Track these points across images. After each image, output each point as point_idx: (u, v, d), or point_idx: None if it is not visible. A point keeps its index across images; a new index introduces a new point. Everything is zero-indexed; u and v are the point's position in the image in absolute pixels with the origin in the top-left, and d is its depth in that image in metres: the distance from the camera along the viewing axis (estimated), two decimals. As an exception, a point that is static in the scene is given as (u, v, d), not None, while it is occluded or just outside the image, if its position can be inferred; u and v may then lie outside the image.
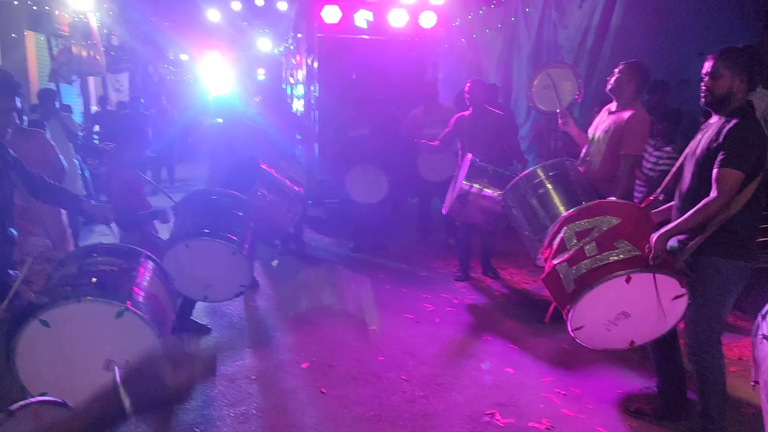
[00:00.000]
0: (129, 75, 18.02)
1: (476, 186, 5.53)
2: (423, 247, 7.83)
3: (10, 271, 2.77)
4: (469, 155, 5.72)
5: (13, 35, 12.01)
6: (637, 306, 3.34)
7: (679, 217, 3.23)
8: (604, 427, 3.67)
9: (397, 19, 8.14)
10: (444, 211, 6.12)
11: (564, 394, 4.08)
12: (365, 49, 8.37)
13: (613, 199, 3.77)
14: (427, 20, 8.19)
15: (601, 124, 4.77)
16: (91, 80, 15.77)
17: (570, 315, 3.35)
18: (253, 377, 4.30)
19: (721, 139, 3.09)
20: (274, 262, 7.18)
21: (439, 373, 4.40)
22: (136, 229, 4.63)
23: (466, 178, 5.55)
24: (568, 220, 3.48)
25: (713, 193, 3.06)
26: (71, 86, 13.58)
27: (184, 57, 22.71)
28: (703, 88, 3.21)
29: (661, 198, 3.64)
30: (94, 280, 2.82)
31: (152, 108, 13.29)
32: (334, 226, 8.72)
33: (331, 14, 8.04)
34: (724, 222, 3.10)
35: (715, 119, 3.26)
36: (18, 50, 12.61)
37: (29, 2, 11.51)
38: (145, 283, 3.04)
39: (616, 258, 3.25)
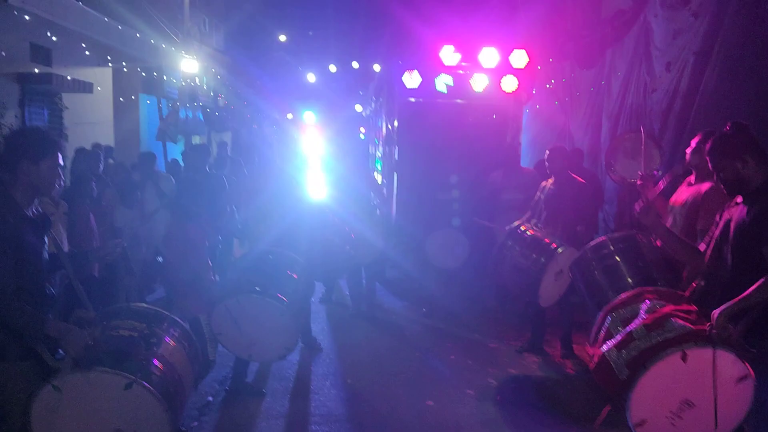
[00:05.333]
0: (232, 134, 19.06)
1: (516, 248, 5.39)
2: (499, 316, 7.50)
3: None
4: (516, 222, 5.62)
5: (122, 99, 13.05)
6: (700, 392, 2.98)
7: (717, 305, 3.00)
8: None
9: (478, 83, 8.10)
10: None
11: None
12: (445, 113, 8.38)
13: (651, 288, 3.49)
14: (509, 84, 8.09)
15: (680, 196, 4.49)
16: (196, 138, 16.80)
17: (628, 406, 3.03)
18: (296, 450, 4.21)
19: (751, 224, 2.96)
20: None
21: (491, 460, 4.11)
22: None
23: (507, 236, 5.44)
24: (613, 308, 3.23)
25: None
26: (176, 145, 14.49)
27: (289, 116, 23.91)
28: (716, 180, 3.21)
29: (702, 284, 3.32)
30: (108, 350, 2.87)
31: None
32: (409, 289, 8.59)
33: (411, 79, 8.13)
34: None
35: (740, 199, 3.12)
36: (132, 112, 13.73)
37: (138, 69, 12.53)
38: (162, 352, 3.05)
39: (669, 335, 2.97)
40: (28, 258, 2.86)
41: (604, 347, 3.12)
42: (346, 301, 8.06)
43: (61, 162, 3.03)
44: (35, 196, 3.01)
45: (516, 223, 5.76)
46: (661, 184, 5.22)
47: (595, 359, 3.18)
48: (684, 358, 2.89)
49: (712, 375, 2.90)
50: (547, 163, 6.13)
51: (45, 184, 2.98)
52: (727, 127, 3.19)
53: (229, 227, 6.91)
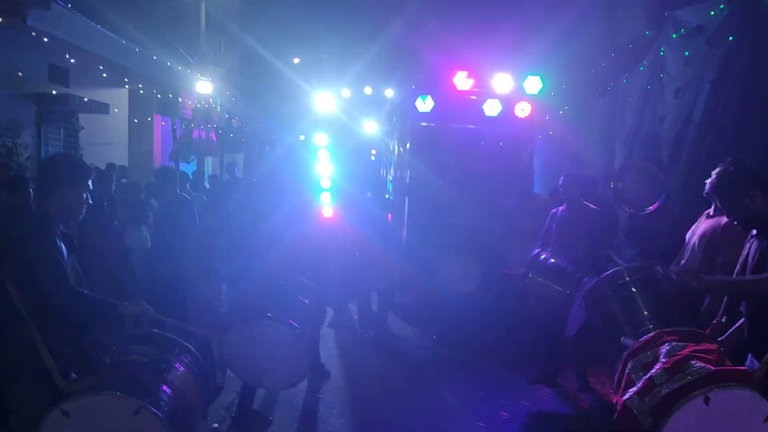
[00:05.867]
0: (244, 155, 19.15)
1: (539, 278, 5.33)
2: (512, 345, 7.33)
3: None
4: (535, 251, 5.58)
5: (137, 120, 13.18)
6: None
7: (748, 335, 3.04)
8: None
9: (491, 108, 8.08)
10: None
11: None
12: (458, 138, 8.36)
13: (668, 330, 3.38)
14: (523, 110, 8.07)
15: (699, 228, 4.42)
16: (208, 159, 16.91)
17: None
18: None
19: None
20: None
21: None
22: None
23: (528, 267, 5.39)
24: (632, 355, 3.14)
25: None
26: (189, 164, 14.59)
27: (301, 137, 24.03)
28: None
29: (723, 321, 3.25)
30: (119, 374, 2.85)
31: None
32: (419, 314, 8.49)
33: (424, 104, 8.14)
34: None
35: (755, 232, 3.16)
36: (146, 132, 13.86)
37: (154, 91, 12.64)
38: (172, 378, 3.00)
39: (690, 378, 2.86)
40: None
41: (626, 395, 3.01)
42: (355, 326, 7.98)
43: (90, 187, 3.18)
44: (66, 219, 3.17)
45: (534, 252, 5.71)
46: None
47: (618, 408, 3.07)
48: (707, 401, 2.79)
49: (738, 416, 2.80)
50: (561, 189, 6.07)
51: (77, 209, 3.12)
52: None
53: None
